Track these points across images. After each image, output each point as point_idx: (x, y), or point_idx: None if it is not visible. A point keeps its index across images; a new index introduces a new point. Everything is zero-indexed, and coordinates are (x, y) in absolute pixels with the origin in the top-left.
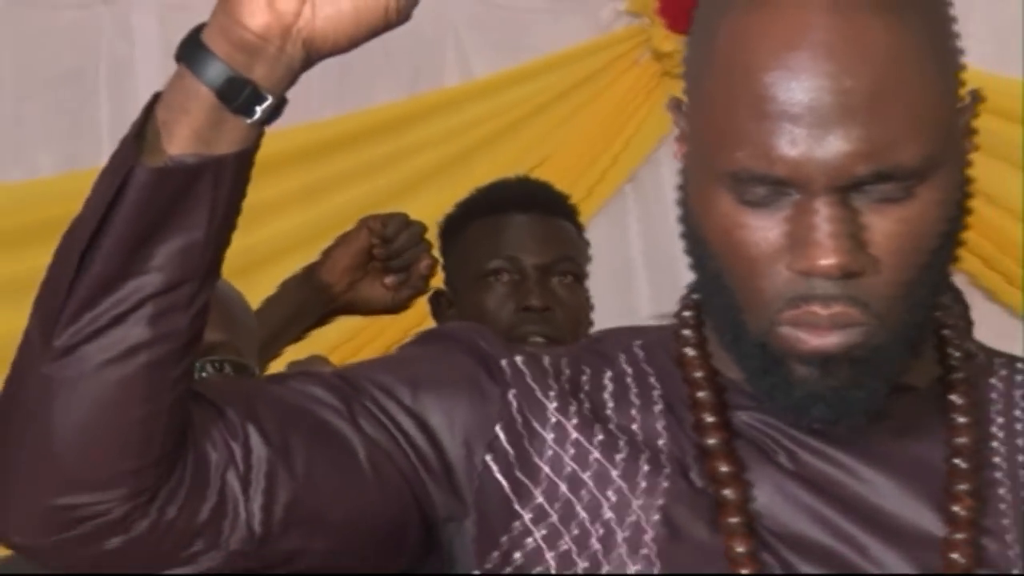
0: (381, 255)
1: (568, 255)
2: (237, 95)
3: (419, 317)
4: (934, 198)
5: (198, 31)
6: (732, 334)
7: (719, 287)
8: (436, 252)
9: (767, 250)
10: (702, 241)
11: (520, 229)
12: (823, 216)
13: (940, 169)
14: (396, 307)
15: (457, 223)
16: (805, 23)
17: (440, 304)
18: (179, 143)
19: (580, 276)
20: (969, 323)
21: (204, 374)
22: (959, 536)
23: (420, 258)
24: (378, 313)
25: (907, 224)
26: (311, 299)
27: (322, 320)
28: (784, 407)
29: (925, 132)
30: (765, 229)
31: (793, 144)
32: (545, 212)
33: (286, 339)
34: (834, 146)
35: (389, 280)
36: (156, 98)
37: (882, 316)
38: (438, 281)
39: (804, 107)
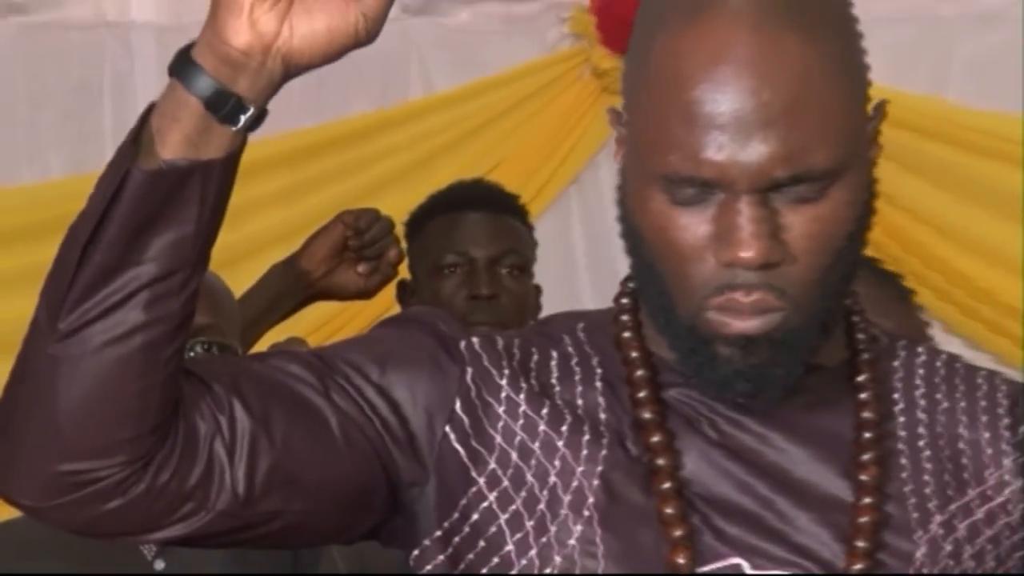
0: (354, 246)
1: (514, 248)
2: (223, 105)
3: (388, 303)
4: (844, 198)
5: (188, 49)
6: (664, 318)
7: (653, 276)
8: (403, 244)
9: (695, 244)
10: (638, 236)
11: (472, 226)
12: (745, 214)
13: (849, 172)
14: (367, 293)
15: (419, 220)
16: (730, 41)
17: (404, 292)
18: (171, 148)
19: (525, 267)
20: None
21: (193, 353)
22: (865, 501)
23: (389, 249)
24: (351, 298)
25: (820, 221)
26: (292, 285)
27: (302, 304)
28: (710, 383)
29: (836, 139)
30: (694, 225)
31: (719, 150)
32: (495, 210)
33: (270, 320)
34: (755, 151)
35: (361, 268)
36: (151, 108)
37: (797, 302)
38: (404, 272)
39: (729, 116)
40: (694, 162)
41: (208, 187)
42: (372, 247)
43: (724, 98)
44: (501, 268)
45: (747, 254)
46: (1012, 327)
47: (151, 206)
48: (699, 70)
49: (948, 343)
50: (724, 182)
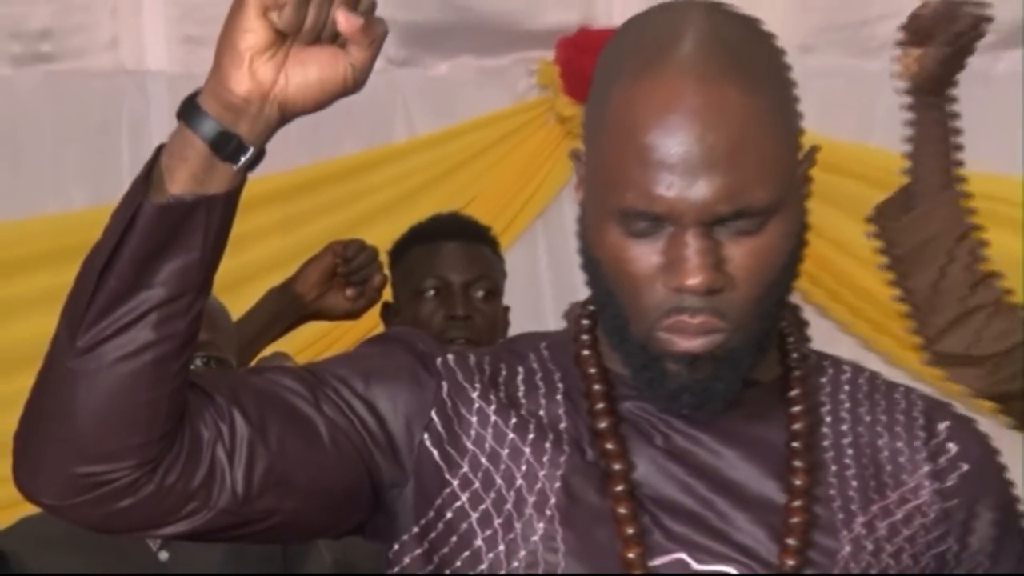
0: (343, 272)
1: (486, 274)
2: (225, 146)
3: (372, 323)
4: (780, 231)
5: (195, 96)
6: (619, 337)
7: (609, 300)
8: (386, 271)
9: (647, 271)
10: (596, 264)
11: (449, 254)
12: (692, 245)
13: (784, 208)
14: (354, 314)
15: (401, 249)
16: (678, 91)
17: (388, 313)
18: (179, 184)
19: (496, 291)
20: (805, 334)
21: (192, 366)
22: (796, 503)
23: (373, 275)
24: (340, 319)
25: (758, 252)
26: (287, 307)
27: (296, 323)
28: (659, 396)
29: (772, 179)
30: (646, 255)
31: (669, 188)
32: (469, 240)
33: (268, 337)
34: (701, 190)
35: (349, 292)
36: (160, 148)
37: (737, 324)
38: (388, 295)
39: (678, 159)
40: (647, 199)
41: (212, 219)
42: (358, 273)
43: (674, 142)
44: (475, 292)
45: (694, 281)
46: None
47: (161, 236)
48: (651, 117)
49: (867, 360)
50: (673, 217)
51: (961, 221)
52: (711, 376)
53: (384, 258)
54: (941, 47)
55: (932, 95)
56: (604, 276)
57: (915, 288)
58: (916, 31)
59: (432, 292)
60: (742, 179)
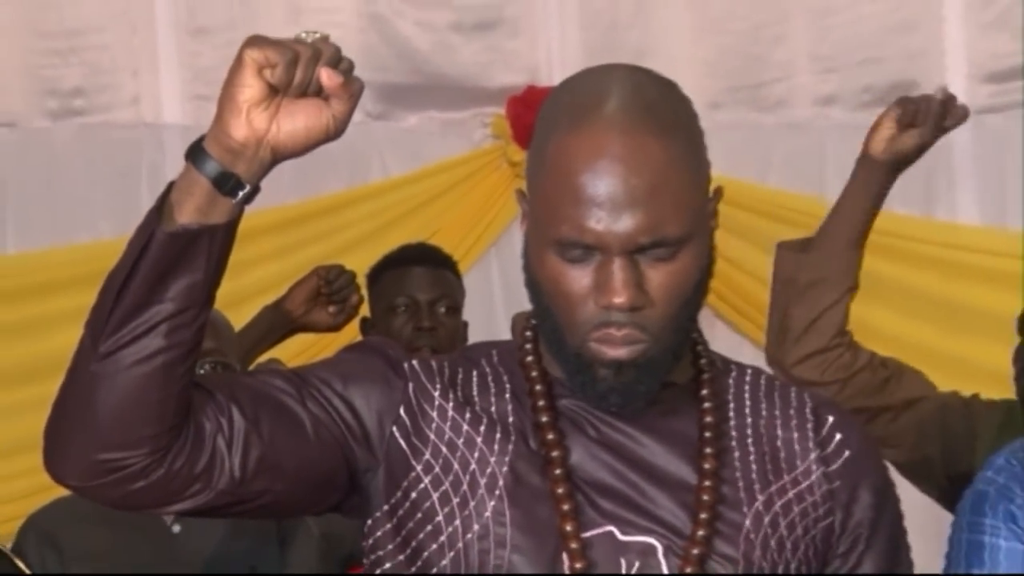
0: (326, 293)
1: (448, 293)
2: (226, 183)
3: (352, 335)
4: (691, 258)
5: (200, 140)
6: (556, 347)
7: (548, 316)
8: (364, 291)
9: (580, 292)
10: (537, 285)
11: (417, 277)
12: (617, 270)
13: (695, 238)
14: (336, 328)
15: (377, 272)
16: (605, 141)
17: (365, 326)
18: (186, 215)
19: (456, 308)
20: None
21: (202, 371)
22: (706, 483)
23: (352, 295)
24: (324, 332)
25: (673, 275)
26: (279, 322)
27: (286, 336)
28: (591, 396)
29: (685, 214)
30: (579, 278)
31: (598, 222)
32: (434, 265)
33: (263, 347)
34: (625, 224)
35: (331, 309)
36: (171, 185)
37: (656, 336)
38: (365, 311)
39: (605, 197)
40: (579, 231)
41: (214, 245)
42: (339, 293)
43: (602, 183)
44: (439, 308)
45: (619, 299)
46: None
47: (170, 259)
48: (583, 163)
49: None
50: (602, 246)
51: (853, 277)
52: (634, 380)
53: (361, 280)
54: (924, 136)
55: (894, 168)
56: (544, 295)
57: (793, 316)
58: (905, 116)
59: (402, 308)
60: (659, 214)
